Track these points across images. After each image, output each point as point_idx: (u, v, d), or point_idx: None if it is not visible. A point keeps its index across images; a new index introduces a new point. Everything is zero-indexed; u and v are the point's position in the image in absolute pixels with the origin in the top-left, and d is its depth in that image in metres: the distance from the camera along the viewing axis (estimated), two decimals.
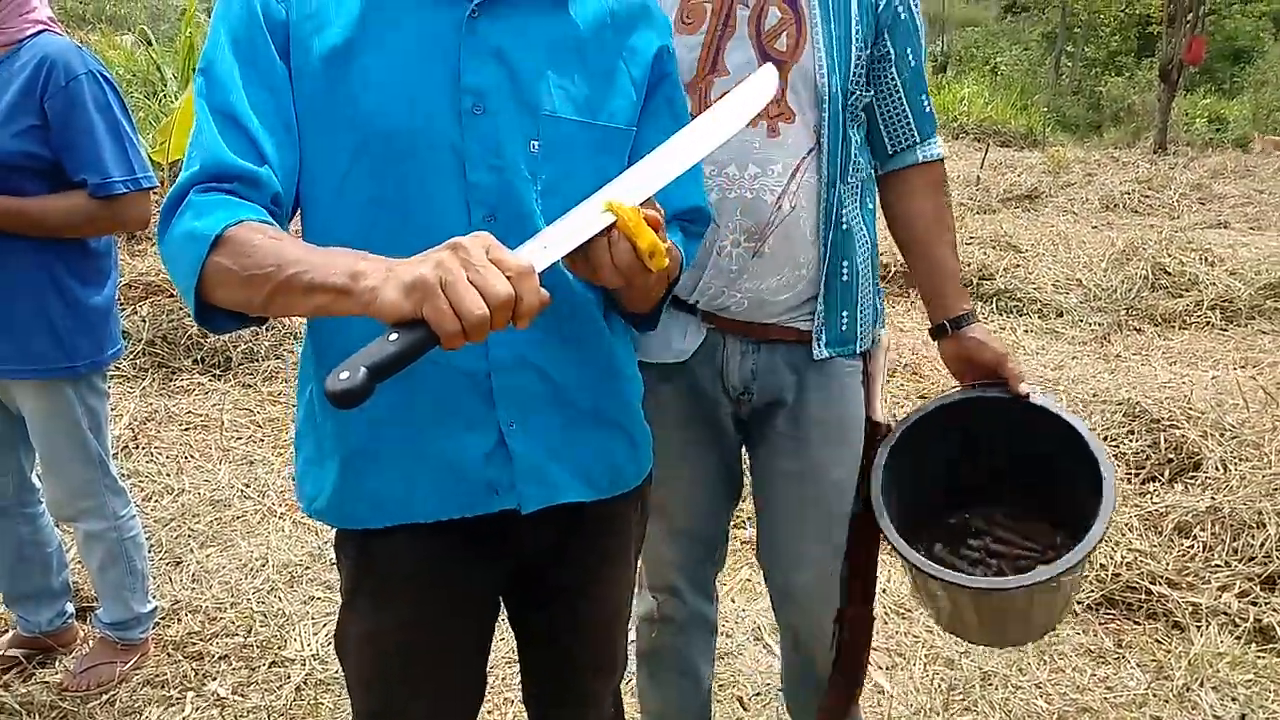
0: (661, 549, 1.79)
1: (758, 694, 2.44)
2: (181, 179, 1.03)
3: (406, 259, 0.89)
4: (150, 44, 8.25)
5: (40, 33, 1.98)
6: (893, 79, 1.61)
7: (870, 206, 1.68)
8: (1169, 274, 6.08)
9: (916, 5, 1.62)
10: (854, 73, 1.53)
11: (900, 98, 1.62)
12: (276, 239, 0.97)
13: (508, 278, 0.85)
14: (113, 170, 1.98)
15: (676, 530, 1.77)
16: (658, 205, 1.07)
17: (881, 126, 1.65)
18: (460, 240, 0.87)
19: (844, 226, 1.59)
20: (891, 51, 1.58)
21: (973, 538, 1.65)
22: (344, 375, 0.81)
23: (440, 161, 1.10)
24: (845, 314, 1.62)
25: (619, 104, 1.20)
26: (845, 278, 1.61)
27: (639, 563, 1.54)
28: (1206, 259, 6.24)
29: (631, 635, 1.62)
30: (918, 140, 1.66)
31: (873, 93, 1.61)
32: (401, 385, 1.11)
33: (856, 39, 1.52)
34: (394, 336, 0.84)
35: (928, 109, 1.67)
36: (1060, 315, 5.86)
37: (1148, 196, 9.87)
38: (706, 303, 1.60)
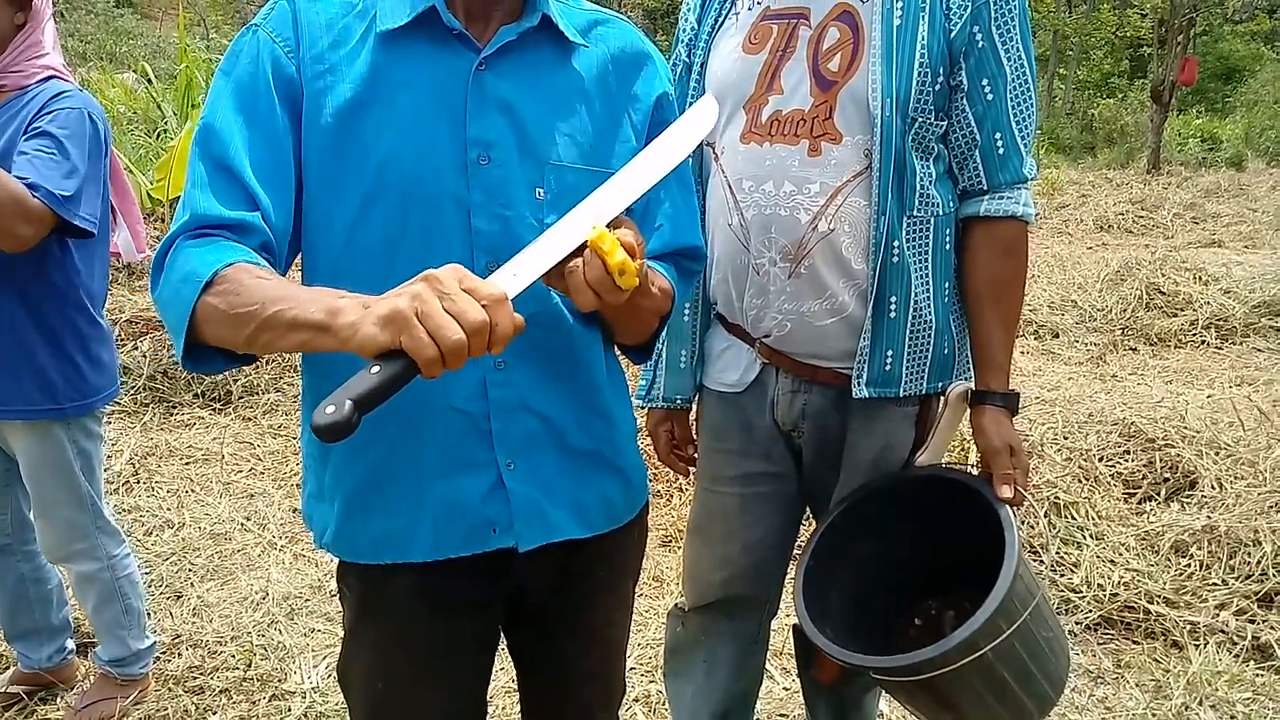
0: (704, 570, 1.77)
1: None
2: (172, 229, 1.06)
3: (383, 295, 0.91)
4: (150, 82, 8.33)
5: (50, 79, 2.00)
6: (963, 112, 1.48)
7: (948, 247, 1.55)
8: (1164, 293, 6.12)
9: (1011, 34, 1.46)
10: (917, 99, 1.44)
11: (970, 135, 1.50)
12: (263, 278, 0.99)
13: (482, 305, 0.87)
14: (47, 181, 1.87)
15: (718, 556, 1.75)
16: (634, 226, 1.09)
17: (953, 163, 1.54)
18: (433, 272, 0.89)
19: (895, 259, 1.48)
20: (965, 82, 1.47)
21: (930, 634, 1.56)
22: (330, 410, 0.82)
23: (445, 211, 1.13)
24: (890, 353, 1.52)
25: (620, 150, 1.23)
26: (893, 314, 1.51)
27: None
28: (1201, 278, 6.28)
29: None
30: (985, 188, 1.52)
31: (946, 124, 1.50)
32: (401, 426, 1.15)
33: (922, 64, 1.43)
34: (375, 369, 0.86)
35: (1002, 152, 1.50)
36: (1056, 336, 5.89)
37: (1142, 217, 9.95)
38: (751, 325, 1.59)
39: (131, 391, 4.33)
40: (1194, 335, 5.70)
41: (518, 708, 2.10)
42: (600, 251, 1.00)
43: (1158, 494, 3.36)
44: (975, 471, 1.56)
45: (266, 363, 4.65)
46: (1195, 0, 14.29)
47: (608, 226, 1.03)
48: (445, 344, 0.84)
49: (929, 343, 1.55)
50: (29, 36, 1.98)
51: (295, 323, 0.92)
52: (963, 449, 3.37)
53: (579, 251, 1.03)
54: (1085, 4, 21.85)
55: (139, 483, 3.70)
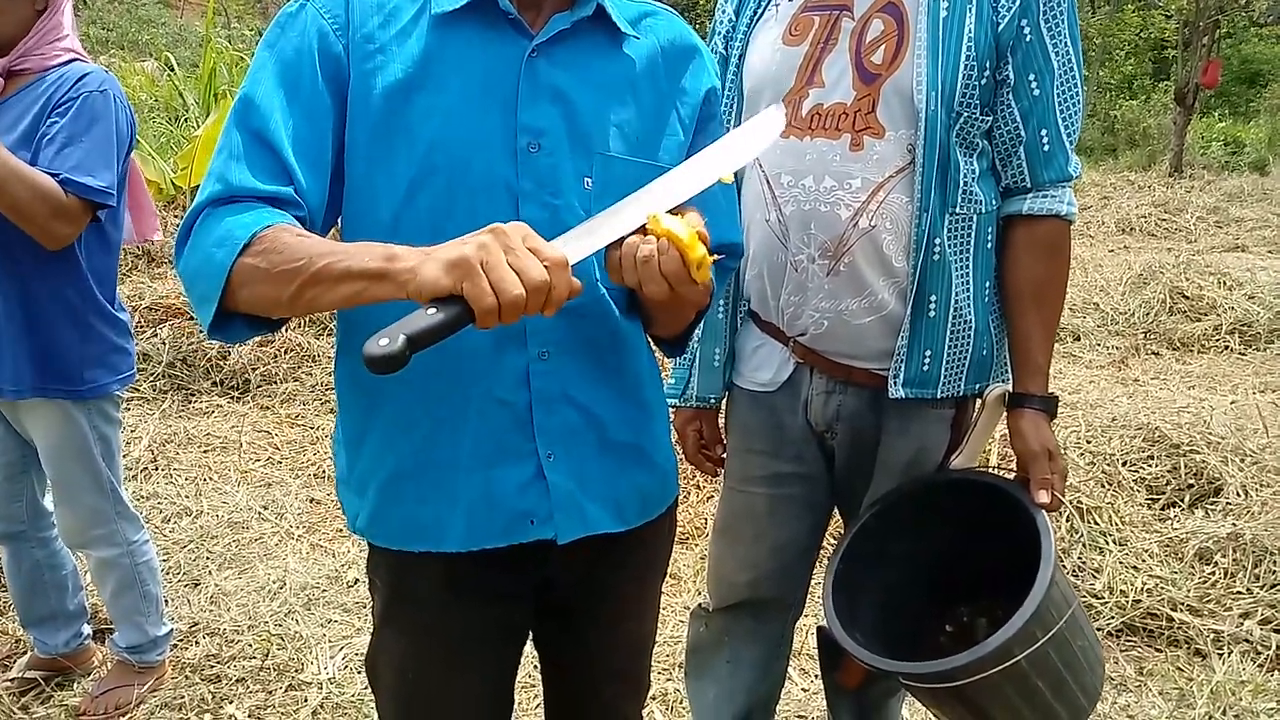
0: (729, 571, 1.76)
1: None
2: (200, 198, 1.04)
3: (443, 244, 0.92)
4: (172, 70, 8.35)
5: (70, 62, 2.01)
6: (1009, 108, 1.45)
7: (989, 245, 1.52)
8: (1187, 298, 6.05)
9: (1059, 28, 1.43)
10: (963, 93, 1.41)
11: (1015, 131, 1.47)
12: (305, 236, 0.99)
13: (544, 266, 0.89)
14: (79, 174, 1.88)
15: (745, 557, 1.73)
16: (701, 218, 1.08)
17: (997, 160, 1.50)
18: (500, 226, 0.91)
19: (936, 257, 1.46)
20: (1011, 77, 1.44)
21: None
22: (383, 342, 0.85)
23: (494, 197, 1.12)
24: (929, 353, 1.49)
25: (668, 143, 1.22)
26: (933, 314, 1.48)
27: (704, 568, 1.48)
28: (1224, 283, 6.19)
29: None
30: (1029, 185, 1.50)
31: (991, 119, 1.47)
32: (441, 414, 1.14)
33: (968, 57, 1.40)
34: (432, 310, 0.88)
35: (1047, 149, 1.47)
36: (1078, 339, 5.84)
37: (1164, 220, 9.85)
38: (787, 323, 1.57)
39: (150, 378, 4.35)
40: (1218, 340, 5.63)
41: (535, 701, 2.09)
42: (680, 243, 1.01)
43: (1181, 500, 3.32)
44: (1007, 475, 1.54)
45: (285, 352, 4.66)
46: (1220, 2, 14.13)
47: (673, 214, 1.04)
48: (505, 297, 0.86)
49: (968, 343, 1.52)
50: (49, 20, 1.99)
51: (347, 274, 0.93)
52: (985, 452, 3.34)
53: (634, 233, 1.03)
54: (1109, 5, 21.68)
55: (157, 470, 3.71)
